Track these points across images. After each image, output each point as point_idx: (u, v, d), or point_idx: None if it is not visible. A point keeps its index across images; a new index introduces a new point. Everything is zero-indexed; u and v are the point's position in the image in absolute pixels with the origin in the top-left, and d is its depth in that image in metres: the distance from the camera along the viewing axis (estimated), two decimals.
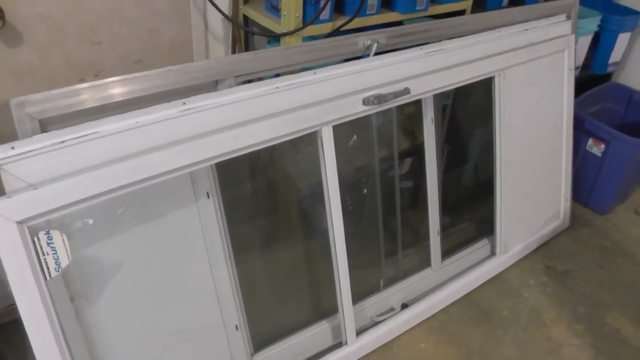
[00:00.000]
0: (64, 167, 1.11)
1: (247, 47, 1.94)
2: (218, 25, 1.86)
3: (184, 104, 1.28)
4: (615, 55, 2.59)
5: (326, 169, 1.51)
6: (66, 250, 1.12)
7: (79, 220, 1.26)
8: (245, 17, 1.83)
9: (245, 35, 1.90)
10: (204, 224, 1.42)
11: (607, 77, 2.78)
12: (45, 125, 1.16)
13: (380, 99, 1.50)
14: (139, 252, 1.35)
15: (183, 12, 1.77)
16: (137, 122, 1.20)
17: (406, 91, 1.57)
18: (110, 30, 1.67)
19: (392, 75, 1.60)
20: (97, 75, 1.70)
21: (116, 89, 1.24)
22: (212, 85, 1.41)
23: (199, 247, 1.43)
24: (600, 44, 2.55)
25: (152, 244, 1.36)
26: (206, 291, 1.49)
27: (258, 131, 1.34)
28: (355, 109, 1.50)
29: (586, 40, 2.46)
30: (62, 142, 1.11)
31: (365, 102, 1.50)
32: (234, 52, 1.85)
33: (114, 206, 1.29)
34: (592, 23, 2.41)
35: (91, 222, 1.27)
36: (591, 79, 2.68)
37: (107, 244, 1.30)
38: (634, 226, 2.52)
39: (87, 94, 1.20)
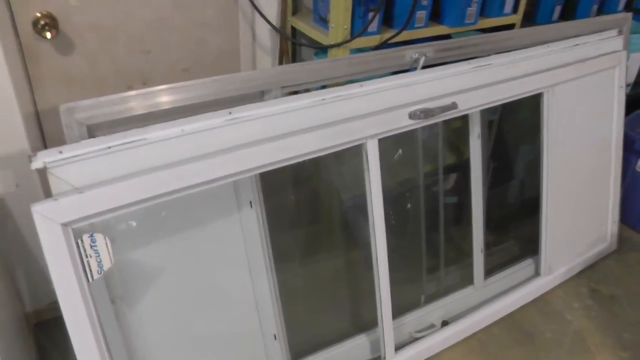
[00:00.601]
0: (110, 172, 1.12)
1: (295, 59, 1.94)
2: (266, 36, 1.87)
3: (230, 113, 1.28)
4: None
5: (370, 183, 1.49)
6: (109, 253, 1.13)
7: (123, 224, 1.27)
8: (293, 29, 1.84)
9: (292, 46, 1.90)
10: (246, 233, 1.42)
11: None
12: (92, 131, 1.18)
13: (426, 113, 1.48)
14: (180, 258, 1.36)
15: (231, 22, 1.78)
16: (182, 130, 1.21)
17: (453, 106, 1.55)
18: (159, 40, 1.69)
19: (439, 90, 1.58)
20: (145, 84, 1.72)
21: (163, 97, 1.26)
22: (258, 96, 1.41)
23: (240, 256, 1.43)
24: None
25: (193, 250, 1.37)
26: (245, 299, 1.48)
27: (303, 143, 1.33)
28: (401, 122, 1.48)
29: (638, 57, 2.39)
30: (109, 147, 1.12)
31: (412, 116, 1.48)
32: (281, 63, 1.85)
33: (157, 211, 1.30)
34: None
35: (134, 226, 1.28)
36: None
37: (149, 248, 1.31)
38: None
39: (134, 101, 1.22)
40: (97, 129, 1.19)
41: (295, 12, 1.85)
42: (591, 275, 2.25)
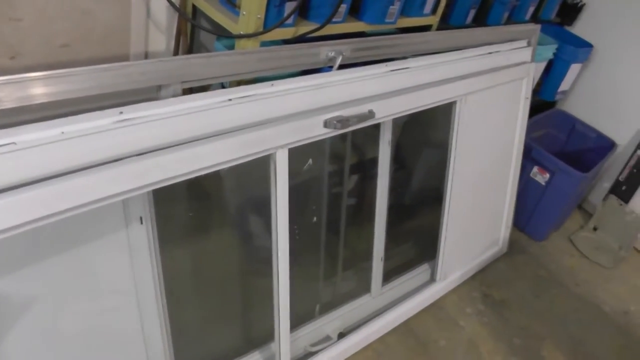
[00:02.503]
0: None
1: (192, 42, 1.73)
2: (162, 12, 1.63)
3: (121, 112, 1.07)
4: (564, 84, 2.57)
5: (277, 195, 1.35)
6: None
7: None
8: (195, 7, 1.62)
9: (192, 29, 1.68)
10: (134, 255, 1.21)
11: (553, 103, 2.78)
12: None
13: (343, 123, 1.36)
14: (54, 287, 1.12)
15: None
16: (63, 132, 0.99)
17: (371, 115, 1.44)
18: (33, 6, 1.41)
19: (356, 93, 1.46)
20: (14, 58, 1.44)
21: (39, 88, 1.01)
22: (153, 90, 1.21)
23: (126, 282, 1.23)
24: (552, 72, 2.53)
25: (69, 277, 1.14)
26: (131, 331, 1.29)
27: (207, 153, 1.15)
28: (315, 131, 1.35)
29: (540, 67, 2.42)
30: None
31: (327, 124, 1.35)
32: (177, 45, 1.63)
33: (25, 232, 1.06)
34: (549, 51, 2.38)
35: None
36: (538, 104, 2.65)
37: (14, 277, 1.07)
38: (567, 255, 2.53)
39: (2, 91, 0.97)
40: None
41: None
42: (483, 279, 2.28)
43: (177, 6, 1.58)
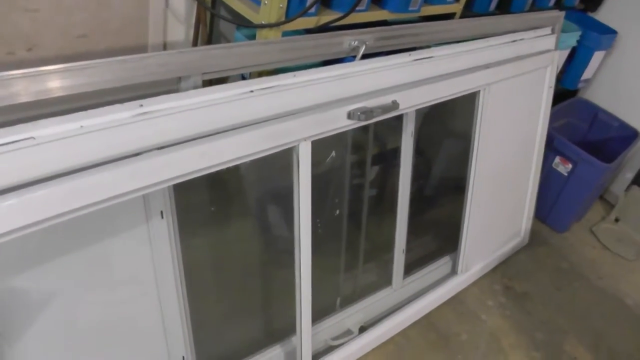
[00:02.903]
0: None
1: (212, 32, 1.69)
2: (181, 2, 1.59)
3: (141, 105, 1.05)
4: (587, 72, 2.51)
5: (299, 188, 1.32)
6: None
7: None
8: None
9: (211, 18, 1.65)
10: (155, 249, 1.19)
11: (575, 92, 2.72)
12: None
13: (367, 114, 1.32)
14: (74, 280, 1.11)
15: None
16: (82, 126, 0.96)
17: (395, 105, 1.40)
18: None
19: (380, 84, 1.43)
20: (31, 50, 1.41)
21: (56, 81, 0.99)
22: (173, 82, 1.18)
23: (147, 275, 1.21)
24: (575, 60, 2.46)
25: (90, 271, 1.13)
26: (152, 322, 1.27)
27: (230, 146, 1.13)
28: (338, 123, 1.31)
29: (563, 55, 2.36)
30: None
31: (351, 116, 1.32)
32: (196, 35, 1.60)
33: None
34: (572, 38, 2.31)
35: (16, 247, 1.01)
36: (559, 93, 2.59)
37: (35, 272, 1.05)
38: (589, 247, 2.49)
39: (19, 84, 0.95)
40: None
41: None
42: (504, 271, 2.24)
43: None
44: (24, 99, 0.97)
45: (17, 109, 0.97)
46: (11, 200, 0.86)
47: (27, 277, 1.05)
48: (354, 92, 1.36)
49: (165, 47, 1.64)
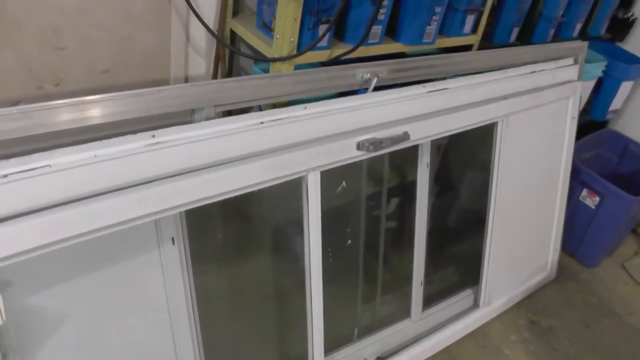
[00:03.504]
0: (4, 208, 0.91)
1: (232, 66, 1.75)
2: (201, 37, 1.66)
3: (154, 136, 1.09)
4: (615, 103, 2.47)
5: (309, 218, 1.34)
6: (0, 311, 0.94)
7: (19, 265, 1.06)
8: (233, 32, 1.64)
9: (230, 52, 1.71)
10: (167, 274, 1.23)
11: (604, 123, 2.67)
12: None
13: (376, 145, 1.34)
14: (88, 302, 1.15)
15: (162, 20, 1.56)
16: (96, 155, 1.02)
17: (405, 136, 1.41)
18: (76, 34, 1.46)
19: (391, 115, 1.44)
20: (59, 85, 1.49)
21: (71, 113, 1.05)
22: (187, 114, 1.23)
23: (159, 301, 1.24)
24: (602, 90, 2.44)
25: (103, 294, 1.16)
26: (164, 352, 1.29)
27: (237, 175, 1.16)
28: (347, 153, 1.33)
29: (589, 85, 2.34)
30: (5, 175, 0.92)
31: (360, 147, 1.33)
32: (216, 69, 1.66)
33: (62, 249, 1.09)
34: (598, 68, 2.29)
35: (33, 267, 1.06)
36: (588, 124, 2.56)
37: (50, 292, 1.10)
38: (620, 283, 2.41)
39: (37, 117, 1.01)
40: None
41: (236, 13, 1.65)
42: (530, 305, 2.19)
43: (215, 32, 1.60)
44: (41, 130, 1.03)
45: (36, 139, 1.03)
46: (28, 222, 0.92)
47: (43, 297, 1.09)
48: (365, 124, 1.38)
49: (186, 80, 1.70)
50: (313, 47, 1.40)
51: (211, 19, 1.62)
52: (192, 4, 1.51)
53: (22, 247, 0.92)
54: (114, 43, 1.52)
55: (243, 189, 1.18)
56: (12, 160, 0.94)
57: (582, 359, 2.00)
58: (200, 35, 1.65)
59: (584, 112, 2.50)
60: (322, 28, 1.43)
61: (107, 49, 1.52)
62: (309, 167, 1.27)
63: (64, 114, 1.04)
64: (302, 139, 1.28)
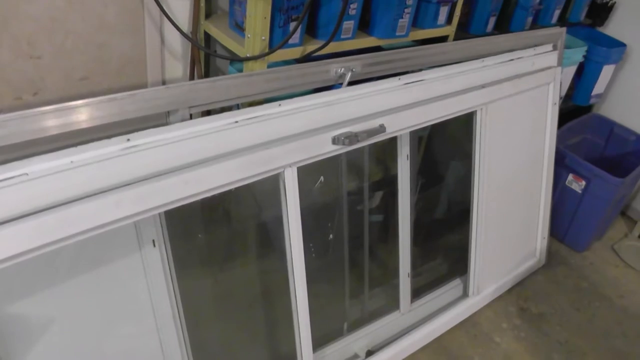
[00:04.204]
0: None
1: (208, 68, 1.76)
2: (176, 41, 1.67)
3: (128, 140, 1.11)
4: (598, 87, 2.48)
5: (288, 214, 1.35)
6: None
7: (0, 273, 1.07)
8: (207, 34, 1.65)
9: (205, 54, 1.71)
10: (150, 277, 1.24)
11: (589, 108, 2.68)
12: None
13: (351, 139, 1.35)
14: (73, 309, 1.16)
15: (136, 26, 1.57)
16: (72, 162, 1.03)
17: (381, 129, 1.42)
18: (51, 43, 1.46)
19: (367, 109, 1.45)
20: (37, 94, 1.50)
21: (49, 120, 1.06)
22: (163, 116, 1.24)
23: (144, 304, 1.25)
24: (584, 75, 2.45)
25: (87, 300, 1.18)
26: (151, 352, 1.30)
27: (213, 175, 1.17)
28: (323, 148, 1.34)
29: (570, 71, 2.35)
30: None
31: (335, 141, 1.35)
32: (192, 72, 1.66)
33: (43, 255, 1.10)
34: (578, 54, 2.30)
35: (16, 274, 1.08)
36: (572, 109, 2.57)
37: (35, 300, 1.11)
38: (610, 266, 2.42)
39: (11, 126, 1.02)
40: None
41: (209, 14, 1.66)
42: (520, 292, 2.21)
43: (189, 35, 1.61)
44: (18, 139, 1.04)
45: (13, 148, 1.04)
46: (7, 230, 0.93)
47: (27, 305, 1.11)
48: (340, 118, 1.39)
49: (164, 84, 1.70)
50: (285, 45, 1.41)
51: (185, 21, 1.62)
52: (165, 8, 1.52)
53: (3, 254, 0.93)
54: (89, 50, 1.53)
55: (220, 188, 1.19)
56: None
57: (573, 344, 2.01)
58: (175, 39, 1.66)
59: (567, 98, 2.51)
60: (293, 25, 1.44)
61: (83, 57, 1.52)
62: (285, 163, 1.29)
63: (39, 122, 1.04)
64: (278, 136, 1.29)
